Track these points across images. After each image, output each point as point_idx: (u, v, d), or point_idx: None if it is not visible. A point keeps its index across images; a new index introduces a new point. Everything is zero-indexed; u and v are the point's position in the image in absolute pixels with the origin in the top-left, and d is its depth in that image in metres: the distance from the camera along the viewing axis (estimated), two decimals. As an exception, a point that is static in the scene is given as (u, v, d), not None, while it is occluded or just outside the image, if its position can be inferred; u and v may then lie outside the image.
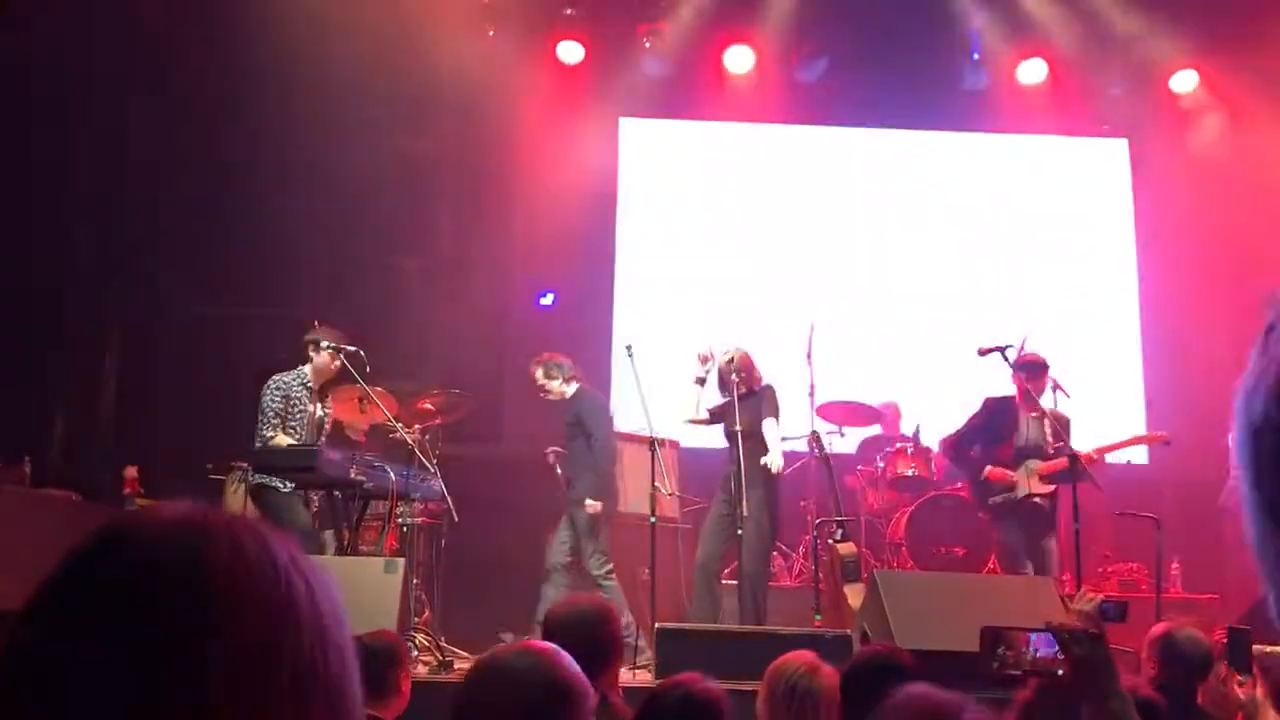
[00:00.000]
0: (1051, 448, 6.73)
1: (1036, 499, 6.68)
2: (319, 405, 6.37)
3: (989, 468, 6.79)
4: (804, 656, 2.86)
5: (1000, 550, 6.98)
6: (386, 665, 3.43)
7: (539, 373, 7.01)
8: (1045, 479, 6.69)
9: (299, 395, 6.24)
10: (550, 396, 7.03)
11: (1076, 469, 6.25)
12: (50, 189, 8.19)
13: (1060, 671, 2.15)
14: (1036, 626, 2.25)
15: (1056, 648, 2.18)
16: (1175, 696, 3.14)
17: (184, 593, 0.69)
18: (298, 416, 6.22)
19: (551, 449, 7.16)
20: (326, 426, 6.45)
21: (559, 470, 7.05)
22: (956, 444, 7.04)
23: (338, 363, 6.32)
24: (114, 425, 8.46)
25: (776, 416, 6.59)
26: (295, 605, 0.72)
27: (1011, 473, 6.74)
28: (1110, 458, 6.99)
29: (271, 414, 6.11)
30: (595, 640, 2.70)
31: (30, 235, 7.89)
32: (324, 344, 6.27)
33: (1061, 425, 6.77)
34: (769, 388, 6.69)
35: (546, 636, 2.70)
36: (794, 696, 2.72)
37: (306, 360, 6.33)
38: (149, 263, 8.80)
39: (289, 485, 6.08)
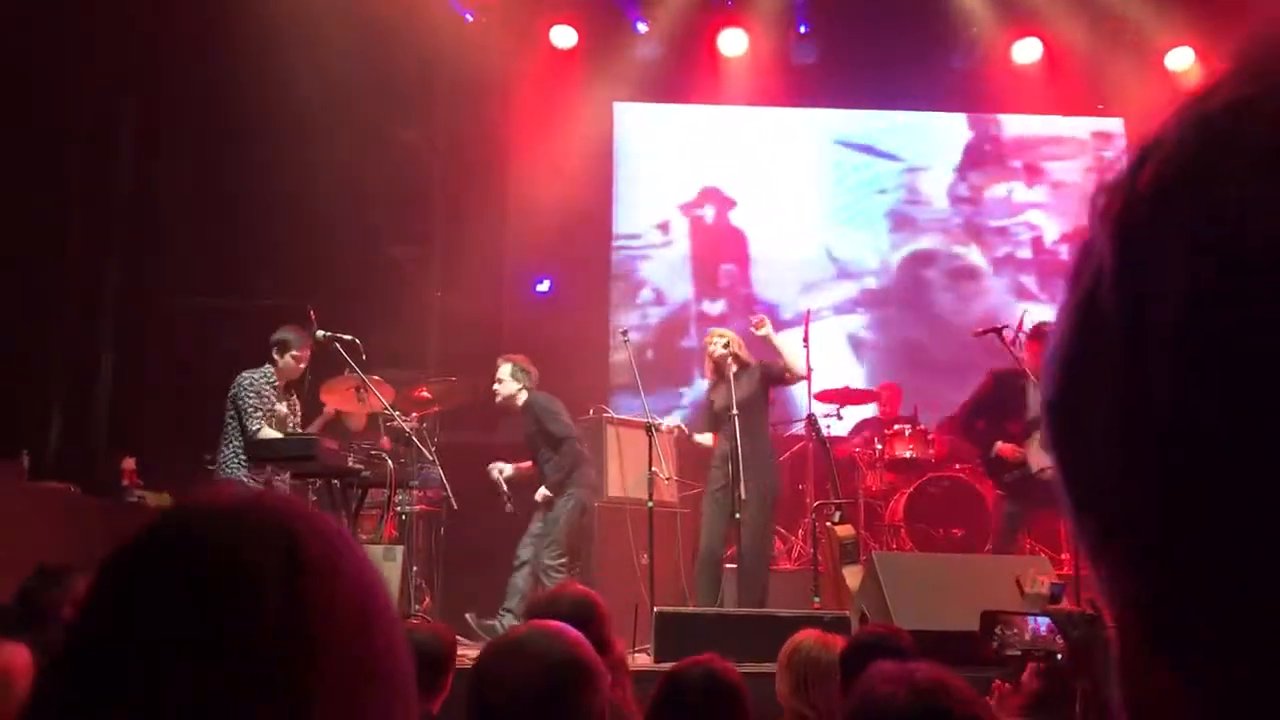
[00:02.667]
0: None
1: (1050, 472, 6.57)
2: (284, 403, 6.33)
3: (999, 444, 6.59)
4: (815, 633, 3.15)
5: (998, 524, 6.92)
6: (443, 664, 3.35)
7: (506, 370, 6.74)
8: None
9: (267, 394, 6.20)
10: (499, 398, 6.77)
11: None
12: (45, 182, 8.16)
13: (1058, 654, 2.18)
14: (1035, 610, 2.27)
15: (1055, 630, 2.20)
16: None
17: (282, 583, 0.65)
18: (266, 414, 6.19)
19: (496, 464, 6.90)
20: (292, 423, 6.38)
21: (504, 487, 6.82)
22: (964, 418, 6.91)
23: (303, 365, 6.28)
24: (111, 417, 8.45)
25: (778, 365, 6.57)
26: (375, 589, 0.70)
27: (1021, 449, 6.54)
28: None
29: (252, 409, 6.06)
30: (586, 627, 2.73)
31: (24, 229, 7.86)
32: (292, 345, 6.19)
33: None
34: (761, 363, 6.67)
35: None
36: (814, 668, 2.99)
37: (271, 357, 6.23)
38: (143, 254, 8.78)
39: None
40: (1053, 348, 0.49)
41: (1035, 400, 6.56)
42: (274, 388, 6.21)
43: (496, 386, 6.81)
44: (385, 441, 6.91)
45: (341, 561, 0.69)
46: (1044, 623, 2.25)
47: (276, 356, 6.23)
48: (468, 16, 9.13)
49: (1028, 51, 9.67)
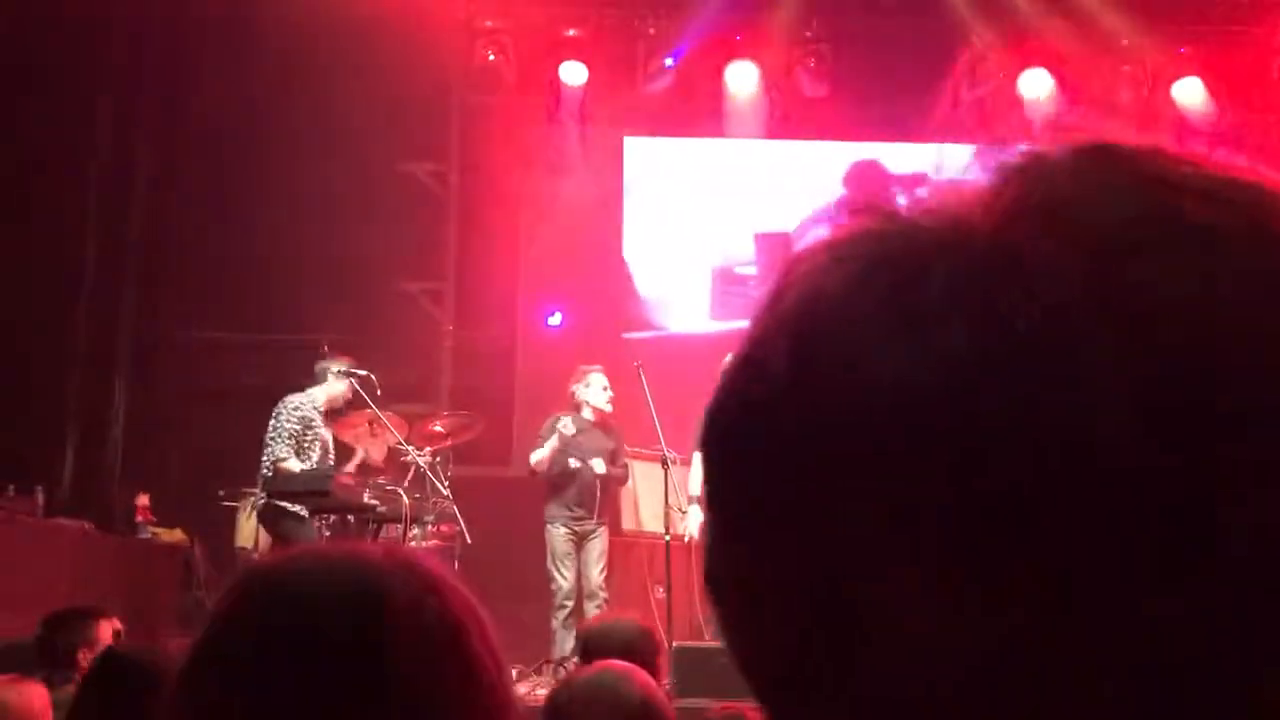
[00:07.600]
0: None
1: None
2: (327, 430, 6.33)
3: None
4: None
5: None
6: None
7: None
8: None
9: (313, 420, 6.18)
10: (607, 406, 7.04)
11: None
12: (56, 217, 8.21)
13: None
14: None
15: None
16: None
17: (413, 646, 0.65)
18: (311, 440, 6.16)
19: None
20: (331, 450, 6.39)
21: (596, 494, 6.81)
22: None
23: (350, 393, 6.28)
24: (125, 454, 8.45)
25: None
26: (497, 653, 0.70)
27: None
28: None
29: (287, 435, 6.01)
30: (643, 657, 2.71)
31: (37, 262, 7.91)
32: (335, 369, 6.23)
33: None
34: None
35: (591, 656, 2.68)
36: None
37: (318, 383, 6.27)
38: (158, 290, 8.82)
39: (305, 511, 6.01)
40: None
41: None
42: (319, 413, 6.18)
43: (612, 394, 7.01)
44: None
45: (474, 625, 0.69)
46: None
47: (331, 378, 6.22)
48: (490, 55, 9.21)
49: (1035, 83, 9.68)
